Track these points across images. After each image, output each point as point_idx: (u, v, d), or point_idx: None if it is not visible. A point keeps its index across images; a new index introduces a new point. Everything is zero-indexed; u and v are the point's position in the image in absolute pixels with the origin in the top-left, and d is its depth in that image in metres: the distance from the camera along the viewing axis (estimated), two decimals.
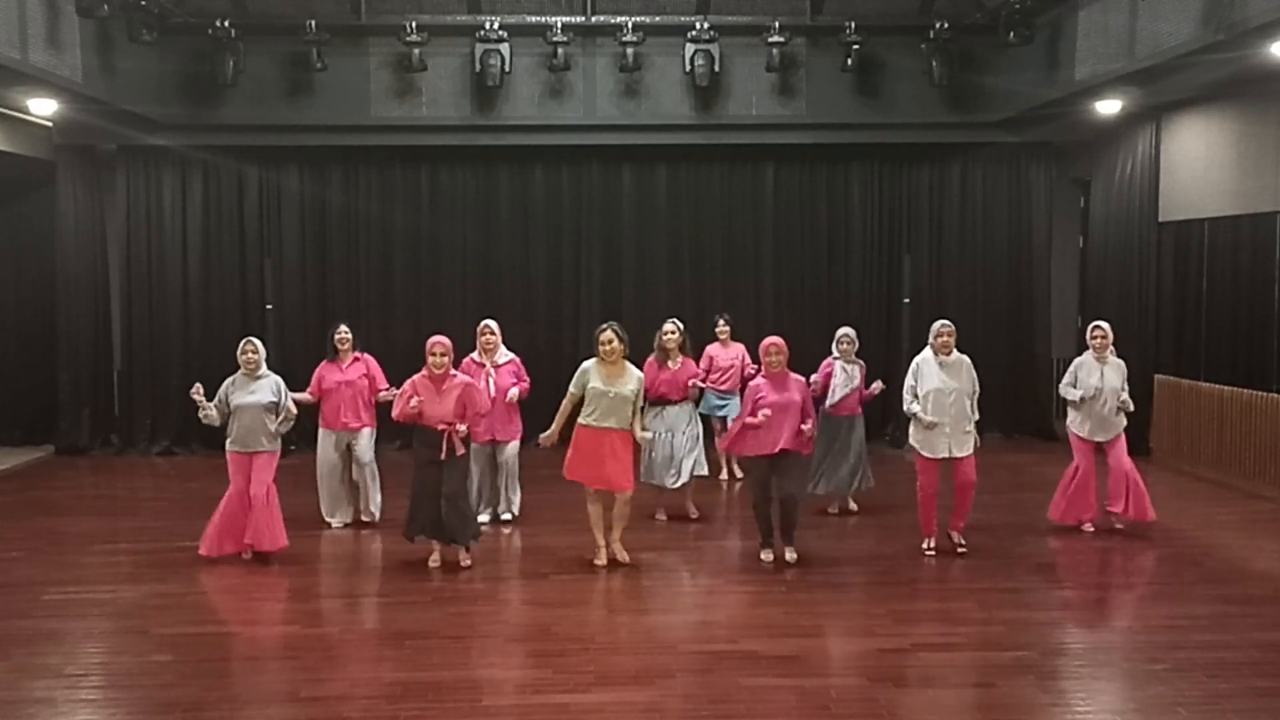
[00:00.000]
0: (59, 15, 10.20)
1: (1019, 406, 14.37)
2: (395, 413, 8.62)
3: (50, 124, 12.93)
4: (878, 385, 10.09)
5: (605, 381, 8.46)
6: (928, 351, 8.91)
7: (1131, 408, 9.48)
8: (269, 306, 13.98)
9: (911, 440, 8.98)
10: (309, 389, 9.78)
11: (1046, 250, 14.48)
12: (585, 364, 8.66)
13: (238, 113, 12.88)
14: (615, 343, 8.47)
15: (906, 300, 14.37)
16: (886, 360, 13.75)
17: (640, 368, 9.13)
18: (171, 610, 7.73)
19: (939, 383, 8.74)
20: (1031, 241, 14.42)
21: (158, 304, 13.82)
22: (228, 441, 8.80)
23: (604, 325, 8.71)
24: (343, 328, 9.95)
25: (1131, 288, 13.01)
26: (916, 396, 8.81)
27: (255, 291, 13.97)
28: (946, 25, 12.44)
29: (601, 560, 8.71)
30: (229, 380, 8.83)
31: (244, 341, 8.94)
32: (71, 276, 13.54)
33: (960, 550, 8.96)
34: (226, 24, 12.00)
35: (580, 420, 8.57)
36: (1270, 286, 10.90)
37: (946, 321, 8.99)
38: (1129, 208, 13.10)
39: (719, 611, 7.66)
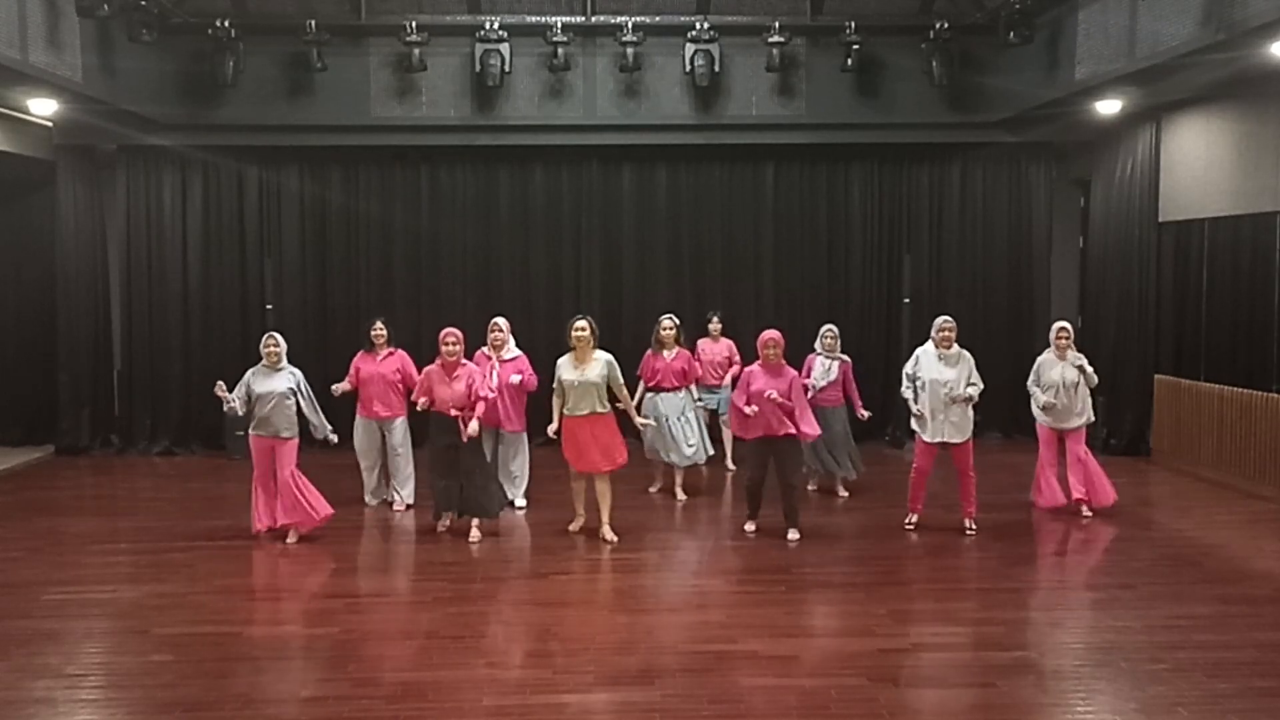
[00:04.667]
0: (59, 15, 10.19)
1: (1019, 407, 14.22)
2: (414, 397, 9.57)
3: (50, 124, 12.92)
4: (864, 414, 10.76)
5: (574, 371, 9.25)
6: (929, 344, 9.53)
7: (1095, 380, 10.11)
8: (269, 306, 13.97)
9: (913, 424, 9.61)
10: (348, 378, 10.48)
11: (1046, 250, 14.45)
12: (559, 361, 9.45)
13: (238, 113, 12.86)
14: (586, 331, 9.24)
15: (906, 300, 14.35)
16: (887, 360, 13.76)
17: (639, 360, 10.92)
18: (171, 610, 7.73)
19: (936, 373, 9.36)
20: (1031, 241, 14.40)
21: (158, 304, 13.81)
22: (250, 426, 9.43)
23: (578, 315, 9.56)
24: (378, 323, 10.57)
25: (1131, 288, 13.00)
26: (913, 383, 9.46)
27: (255, 291, 13.96)
28: (946, 25, 12.42)
29: (575, 527, 9.58)
30: (251, 371, 9.46)
31: (266, 336, 9.61)
32: (71, 276, 13.52)
33: (969, 533, 9.51)
34: (226, 24, 11.99)
35: (564, 411, 9.32)
36: (1270, 286, 10.89)
37: (949, 318, 9.61)
38: (1129, 208, 13.09)
39: (719, 611, 7.65)
